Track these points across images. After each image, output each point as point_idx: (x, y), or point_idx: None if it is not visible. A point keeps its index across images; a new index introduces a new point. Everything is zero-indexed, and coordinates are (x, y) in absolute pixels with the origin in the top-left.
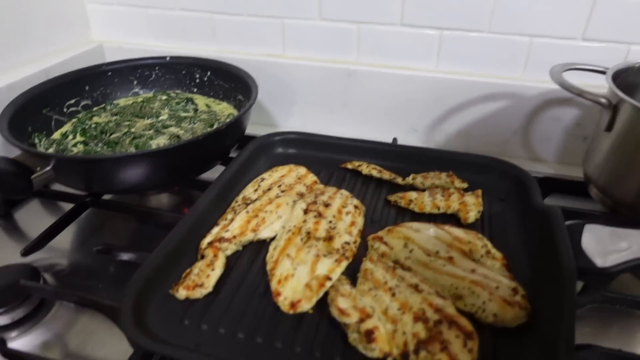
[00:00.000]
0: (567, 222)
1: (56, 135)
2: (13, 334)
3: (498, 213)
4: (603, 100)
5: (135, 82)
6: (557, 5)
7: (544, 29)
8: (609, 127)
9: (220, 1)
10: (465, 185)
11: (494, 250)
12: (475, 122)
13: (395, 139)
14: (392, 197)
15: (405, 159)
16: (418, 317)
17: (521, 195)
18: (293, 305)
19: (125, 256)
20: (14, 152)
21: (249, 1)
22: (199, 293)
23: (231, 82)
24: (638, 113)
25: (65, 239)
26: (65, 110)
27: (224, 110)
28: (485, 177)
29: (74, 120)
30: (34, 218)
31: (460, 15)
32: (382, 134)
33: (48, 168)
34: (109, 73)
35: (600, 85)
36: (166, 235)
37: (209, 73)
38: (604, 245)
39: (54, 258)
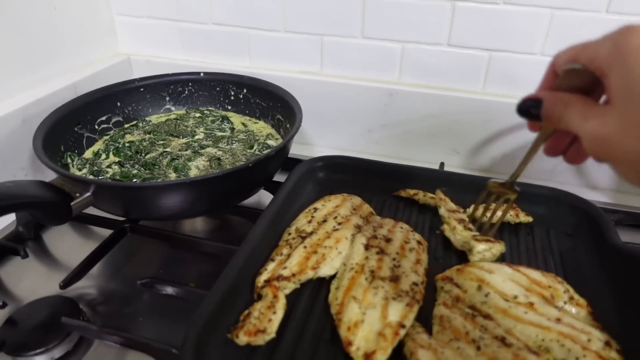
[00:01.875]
0: None
1: (88, 154)
2: None
3: (568, 250)
4: None
5: (167, 99)
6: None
7: None
8: None
9: (256, 16)
10: (530, 219)
11: (577, 296)
12: (522, 146)
13: (442, 164)
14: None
15: (457, 187)
16: None
17: (593, 231)
18: (368, 357)
19: (169, 290)
20: (45, 172)
21: (287, 17)
22: (261, 339)
23: (269, 101)
24: None
25: (101, 267)
26: (96, 127)
27: (262, 129)
28: (546, 209)
29: (106, 137)
30: (65, 242)
31: (510, 36)
32: (421, 156)
33: (88, 194)
34: (141, 89)
35: None
36: (206, 262)
37: (245, 91)
38: None
39: (91, 288)
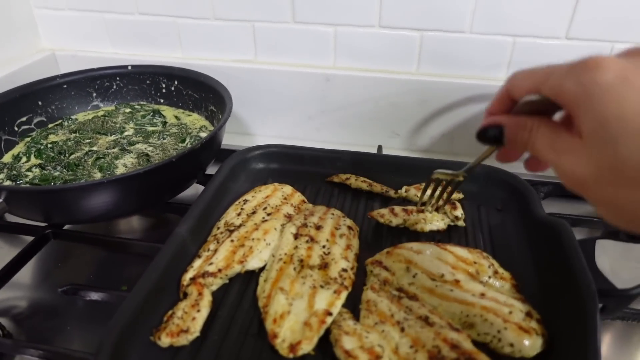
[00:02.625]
0: (579, 239)
1: (7, 157)
2: None
3: (497, 225)
4: None
5: (94, 95)
6: (539, 5)
7: (527, 28)
8: None
9: (184, 5)
10: (460, 196)
11: (501, 270)
12: (460, 125)
13: (380, 147)
14: (374, 214)
15: (394, 169)
16: (433, 356)
17: (520, 205)
18: (293, 348)
19: (95, 295)
20: None
21: (215, 4)
22: (184, 339)
23: (201, 92)
24: None
25: (24, 275)
26: (16, 129)
27: (195, 122)
28: (477, 186)
29: (27, 139)
30: None
31: (441, 16)
32: (363, 139)
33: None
34: (65, 85)
35: None
36: (140, 265)
37: (176, 82)
38: (619, 263)
39: (11, 300)
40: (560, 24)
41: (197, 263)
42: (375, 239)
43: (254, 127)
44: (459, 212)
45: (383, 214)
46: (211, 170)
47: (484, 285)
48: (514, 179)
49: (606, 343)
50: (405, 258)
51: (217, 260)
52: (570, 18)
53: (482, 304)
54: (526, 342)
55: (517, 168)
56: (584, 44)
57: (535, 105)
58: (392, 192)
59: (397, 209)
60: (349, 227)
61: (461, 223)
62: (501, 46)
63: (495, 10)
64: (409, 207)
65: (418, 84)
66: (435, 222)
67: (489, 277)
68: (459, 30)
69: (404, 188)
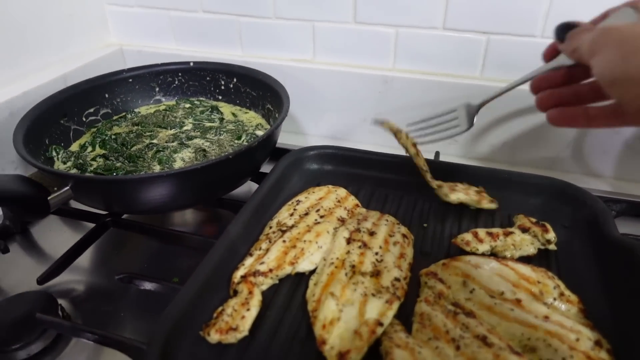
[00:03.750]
0: None
1: (74, 146)
2: None
3: (563, 243)
4: None
5: (157, 89)
6: None
7: None
8: None
9: (246, 3)
10: (494, 206)
11: (568, 292)
12: (523, 134)
13: (437, 153)
14: (458, 241)
15: (449, 176)
16: None
17: (590, 223)
18: (342, 356)
19: (148, 285)
20: (31, 168)
21: (277, 3)
22: (233, 337)
23: (259, 90)
24: None
25: (83, 261)
26: (84, 119)
27: (252, 119)
28: (540, 200)
29: (94, 130)
30: (52, 235)
31: (510, 19)
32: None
33: (66, 188)
34: (130, 80)
35: None
36: (192, 257)
37: (235, 80)
38: None
39: (71, 283)
40: None
41: (249, 261)
42: (431, 249)
43: (308, 126)
44: (552, 235)
45: (469, 242)
46: (265, 168)
47: (548, 307)
48: (584, 194)
49: None
50: (462, 272)
51: (268, 260)
52: None
53: (546, 328)
54: None
55: (586, 183)
56: None
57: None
58: (428, 176)
59: (481, 233)
60: (404, 235)
61: (552, 247)
62: None
63: (571, 12)
64: (494, 230)
65: (481, 89)
66: (525, 247)
67: (554, 299)
68: (529, 34)
69: (438, 182)
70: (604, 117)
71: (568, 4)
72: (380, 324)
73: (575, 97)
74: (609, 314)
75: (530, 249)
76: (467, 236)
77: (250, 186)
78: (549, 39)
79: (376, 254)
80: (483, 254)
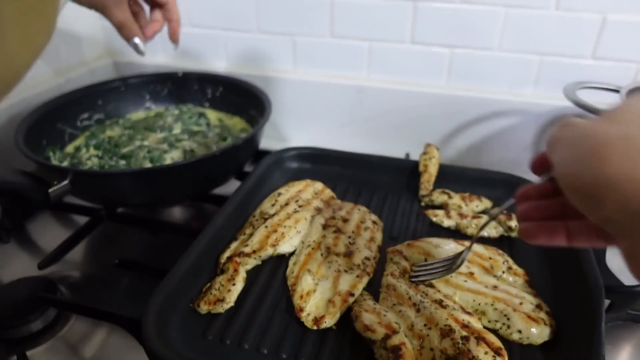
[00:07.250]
0: None
1: (69, 148)
2: (31, 346)
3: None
4: None
5: (147, 97)
6: (566, 25)
7: (553, 47)
8: None
9: (231, 18)
10: (489, 204)
11: (515, 267)
12: (487, 138)
13: (407, 154)
14: (429, 212)
15: (418, 174)
16: (445, 333)
17: None
18: (317, 321)
19: (141, 272)
20: (30, 167)
21: (260, 18)
22: (220, 307)
23: (243, 98)
24: None
25: (79, 251)
26: (78, 124)
27: (237, 124)
28: (499, 193)
29: (87, 133)
30: (47, 230)
31: (470, 34)
32: (392, 148)
33: (65, 182)
34: (122, 88)
35: (612, 104)
36: (181, 248)
37: (221, 88)
38: None
39: (69, 270)
40: (586, 44)
41: (234, 245)
42: (398, 235)
43: (289, 132)
44: (513, 222)
45: (437, 214)
46: (249, 169)
47: (497, 279)
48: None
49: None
50: (424, 250)
51: (252, 243)
52: (596, 39)
53: (494, 294)
54: (534, 330)
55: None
56: (609, 64)
57: None
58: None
59: (453, 212)
60: (374, 222)
61: (514, 234)
62: (528, 64)
63: (523, 29)
64: (464, 212)
65: (447, 97)
66: (488, 229)
67: (503, 272)
68: (487, 47)
69: (438, 191)
70: (586, 235)
71: (521, 21)
72: (352, 294)
73: (561, 211)
74: (551, 285)
75: (493, 232)
76: (439, 211)
77: (234, 185)
78: (506, 52)
79: (349, 237)
80: (448, 229)
